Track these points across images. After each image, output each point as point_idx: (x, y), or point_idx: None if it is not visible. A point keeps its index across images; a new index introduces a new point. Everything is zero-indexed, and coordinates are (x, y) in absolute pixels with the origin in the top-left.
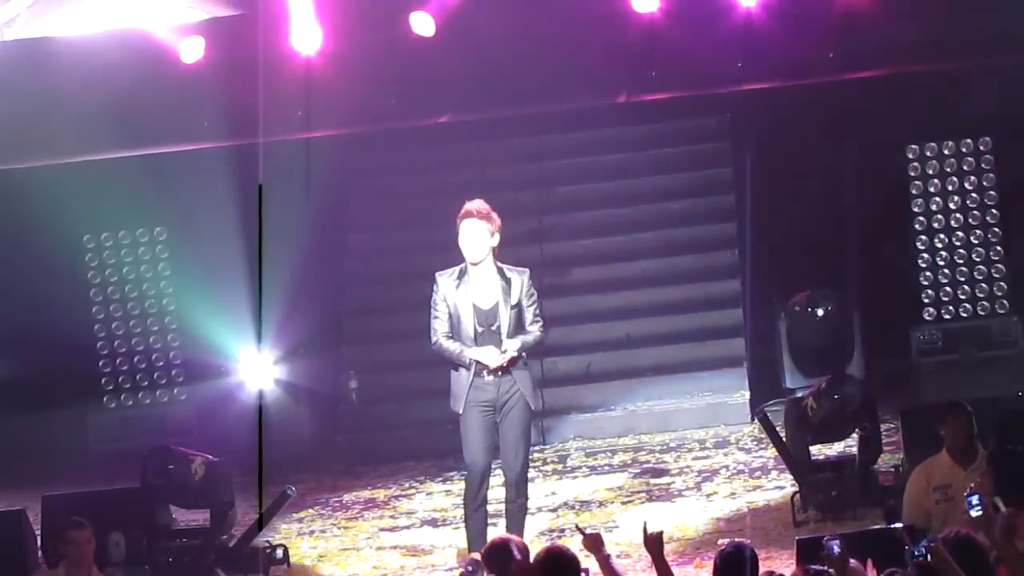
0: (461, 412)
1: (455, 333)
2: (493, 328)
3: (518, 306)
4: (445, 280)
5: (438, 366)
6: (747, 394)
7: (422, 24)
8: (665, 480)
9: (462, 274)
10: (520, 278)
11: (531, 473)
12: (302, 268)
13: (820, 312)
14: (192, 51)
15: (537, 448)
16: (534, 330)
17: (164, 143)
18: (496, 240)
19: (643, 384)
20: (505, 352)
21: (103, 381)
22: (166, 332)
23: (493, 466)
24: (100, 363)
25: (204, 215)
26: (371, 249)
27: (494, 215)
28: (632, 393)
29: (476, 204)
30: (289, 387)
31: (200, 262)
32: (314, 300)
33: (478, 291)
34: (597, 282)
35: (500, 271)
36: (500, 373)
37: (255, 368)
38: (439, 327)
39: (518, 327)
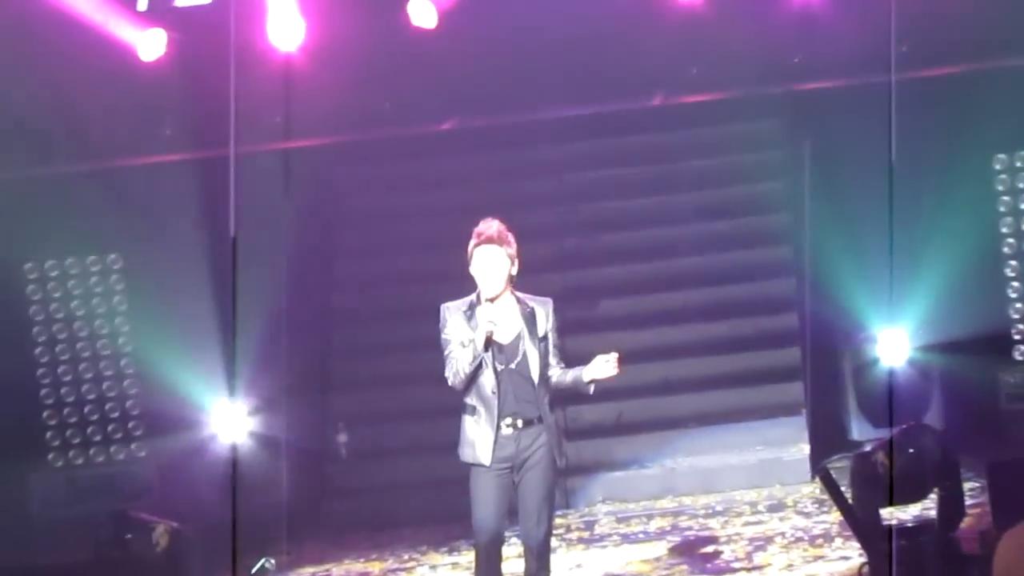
0: (486, 464)
1: (472, 378)
2: (514, 365)
3: (545, 339)
4: (454, 314)
5: (443, 415)
6: (806, 448)
7: (422, 14)
8: (710, 550)
9: (473, 307)
10: (544, 309)
11: (554, 542)
12: (282, 303)
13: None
14: (152, 46)
15: (560, 512)
16: (562, 366)
17: (119, 155)
18: (516, 268)
19: (684, 436)
20: (609, 362)
21: (48, 435)
22: (122, 377)
23: (508, 534)
24: (44, 414)
25: (167, 240)
26: (363, 280)
27: (512, 239)
28: (671, 447)
29: (493, 227)
30: (267, 442)
31: (162, 295)
32: (296, 340)
33: (498, 320)
34: (629, 316)
35: (520, 301)
36: (521, 424)
37: (227, 420)
38: (454, 357)
39: (545, 365)
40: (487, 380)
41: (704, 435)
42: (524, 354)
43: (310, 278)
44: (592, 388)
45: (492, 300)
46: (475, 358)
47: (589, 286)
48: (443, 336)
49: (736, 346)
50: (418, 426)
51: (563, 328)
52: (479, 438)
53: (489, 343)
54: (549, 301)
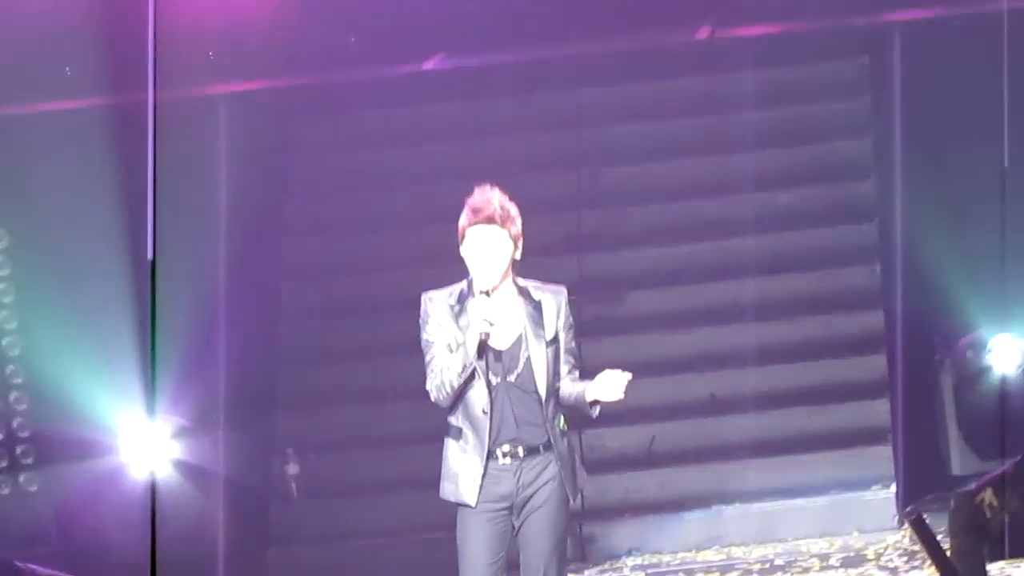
0: (471, 504)
1: (460, 392)
2: (514, 377)
3: (555, 342)
4: (439, 307)
5: (423, 440)
6: (893, 485)
7: None
8: None
9: (463, 299)
10: (555, 300)
11: None
12: (215, 295)
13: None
14: None
15: (575, 569)
16: (576, 376)
17: (4, 101)
18: (519, 251)
19: (735, 471)
20: (616, 381)
21: None
22: (7, 389)
23: None
24: None
25: (67, 209)
26: (320, 266)
27: (515, 214)
28: (718, 484)
29: (491, 201)
30: (195, 474)
31: (60, 285)
32: (235, 343)
33: (492, 323)
34: (664, 313)
35: (524, 292)
36: (522, 453)
37: (145, 445)
38: (439, 364)
39: (555, 375)
40: (478, 396)
41: (761, 469)
42: (528, 362)
43: (252, 263)
44: (596, 411)
45: (488, 292)
46: (464, 368)
47: (613, 273)
48: (424, 336)
49: (803, 353)
50: (390, 454)
51: (579, 327)
52: (464, 470)
53: (483, 349)
54: (562, 291)
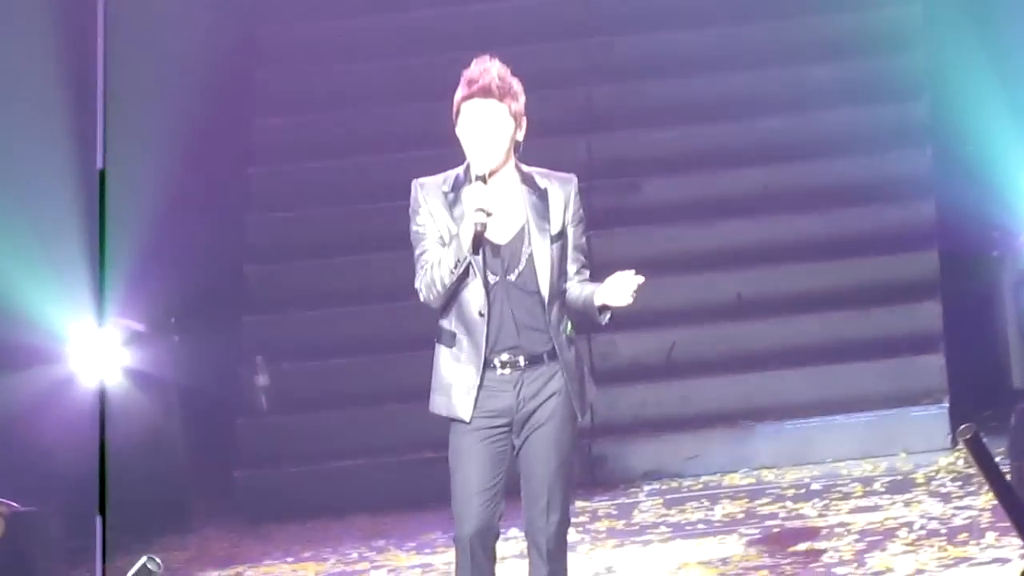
0: (466, 419)
1: (453, 291)
2: (515, 276)
3: (562, 236)
4: (432, 196)
5: (411, 346)
6: (945, 400)
7: None
8: (803, 548)
9: (458, 187)
10: (563, 190)
11: (572, 536)
12: (175, 184)
13: None
14: None
15: (583, 493)
16: (585, 277)
17: None
18: (521, 132)
19: (765, 383)
20: (627, 284)
21: None
22: None
23: (506, 524)
24: None
25: (6, 98)
26: (290, 149)
27: (517, 88)
28: (747, 399)
29: (490, 71)
30: (152, 385)
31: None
32: (194, 235)
33: (492, 209)
34: (685, 203)
35: (528, 179)
36: (523, 362)
37: (93, 354)
38: (430, 259)
39: (561, 275)
40: (474, 296)
41: (795, 380)
42: (530, 259)
43: (215, 149)
44: (606, 317)
45: (485, 178)
46: (458, 263)
47: (628, 157)
48: (414, 228)
49: (843, 249)
50: (373, 363)
51: (590, 219)
52: (458, 381)
53: (479, 242)
54: (572, 179)
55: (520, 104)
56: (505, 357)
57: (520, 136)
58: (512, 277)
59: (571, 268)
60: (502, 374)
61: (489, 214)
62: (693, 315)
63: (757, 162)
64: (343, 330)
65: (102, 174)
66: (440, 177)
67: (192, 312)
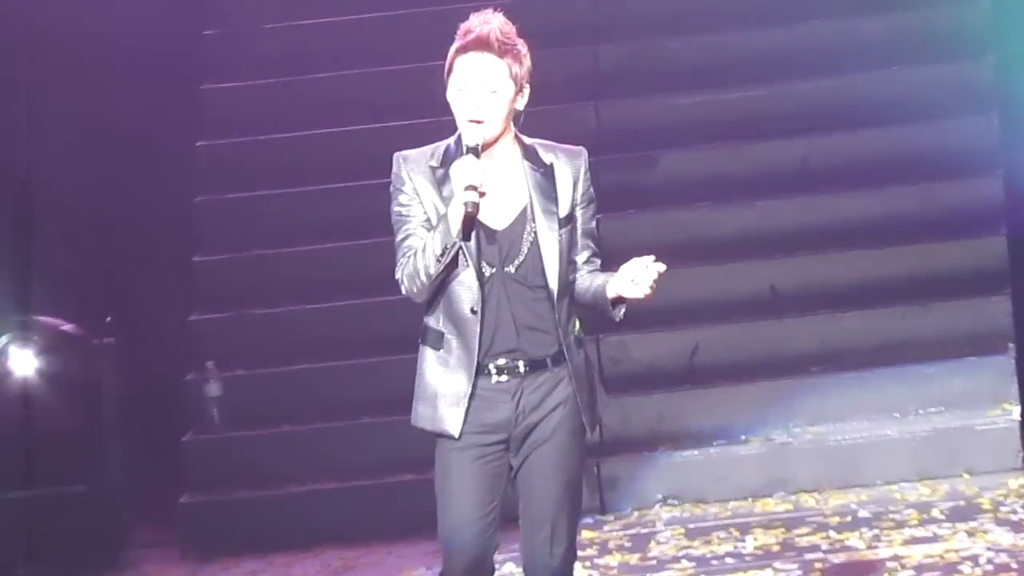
0: (454, 435)
1: (442, 283)
2: (514, 267)
3: (570, 220)
4: (417, 170)
5: (388, 349)
6: (1016, 410)
7: None
8: None
9: (448, 160)
10: (572, 166)
11: (579, 572)
12: (113, 167)
13: None
14: None
15: (590, 520)
16: (595, 267)
17: None
18: (523, 98)
19: (804, 390)
20: (643, 273)
21: None
22: None
23: (502, 556)
24: None
25: None
26: (246, 119)
27: (524, 50)
28: (783, 410)
29: (488, 20)
30: (83, 395)
31: None
32: (136, 226)
33: (487, 197)
34: (710, 181)
35: (530, 153)
36: (524, 368)
37: (14, 360)
38: (414, 245)
39: (569, 266)
40: (465, 290)
41: (838, 387)
42: (534, 246)
43: (156, 119)
44: (620, 313)
45: (478, 150)
46: (445, 250)
47: (642, 125)
48: (396, 208)
49: (895, 234)
50: (346, 367)
51: (600, 198)
52: (446, 389)
53: (471, 225)
54: (581, 153)
55: (523, 68)
56: (502, 362)
57: (521, 104)
58: (511, 268)
59: (580, 257)
60: (498, 382)
61: (483, 193)
62: (719, 312)
63: (794, 132)
64: (309, 330)
65: (26, 165)
66: (427, 150)
67: (132, 310)
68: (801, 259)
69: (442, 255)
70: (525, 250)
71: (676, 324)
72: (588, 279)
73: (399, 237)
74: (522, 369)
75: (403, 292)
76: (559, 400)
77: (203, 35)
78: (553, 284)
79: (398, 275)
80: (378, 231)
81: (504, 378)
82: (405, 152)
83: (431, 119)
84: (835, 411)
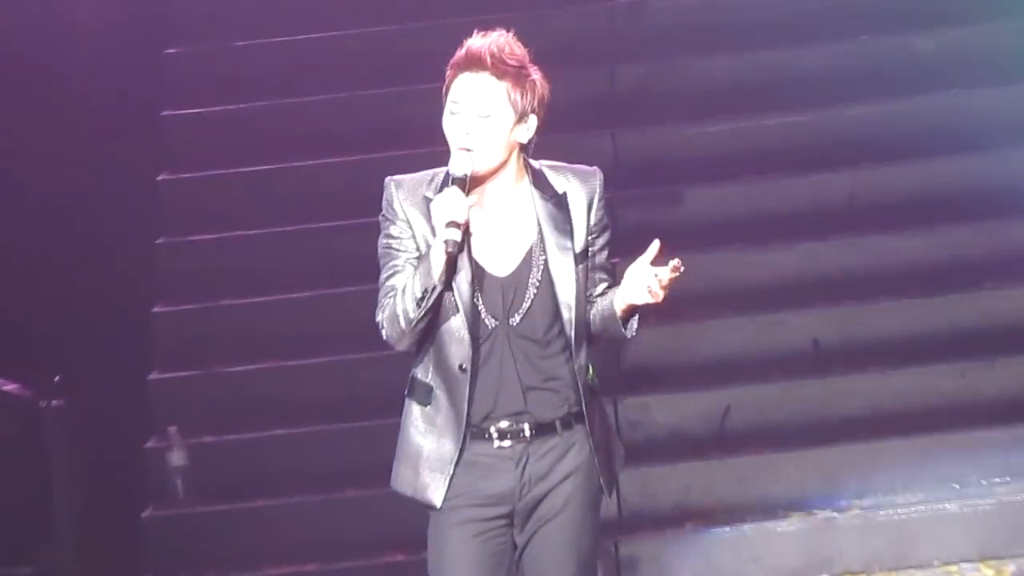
0: (436, 505)
1: (429, 331)
2: (519, 318)
3: (586, 254)
4: (411, 194)
5: (378, 411)
6: None
7: None
8: None
9: (459, 181)
10: (586, 188)
11: None
12: (62, 190)
13: None
14: None
15: None
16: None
17: None
18: (527, 130)
19: (851, 457)
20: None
21: None
22: None
23: None
24: None
25: None
26: (215, 144)
27: (535, 76)
28: (827, 479)
29: (489, 36)
30: (26, 465)
31: None
32: (91, 265)
33: (488, 231)
34: (742, 218)
35: (539, 179)
36: (529, 432)
37: None
38: (397, 284)
39: (583, 305)
40: (455, 344)
41: (889, 455)
42: (543, 291)
43: (116, 140)
44: (633, 327)
45: (465, 183)
46: (425, 294)
47: (665, 158)
48: (384, 241)
49: (952, 279)
50: (328, 433)
51: (614, 239)
52: (430, 451)
53: (453, 268)
54: (595, 173)
55: (530, 96)
56: (505, 425)
57: (524, 136)
58: (515, 320)
59: (594, 291)
60: (500, 447)
61: (468, 232)
62: (754, 369)
63: (839, 164)
64: (286, 391)
65: None
66: (424, 176)
67: (84, 368)
68: (847, 309)
69: (422, 300)
70: (530, 298)
71: (705, 383)
72: (596, 307)
73: (384, 274)
74: (527, 433)
75: (384, 337)
76: (570, 468)
77: (165, 54)
78: (571, 331)
79: (378, 317)
80: (366, 277)
81: (507, 443)
82: (399, 177)
83: (428, 149)
84: (886, 482)
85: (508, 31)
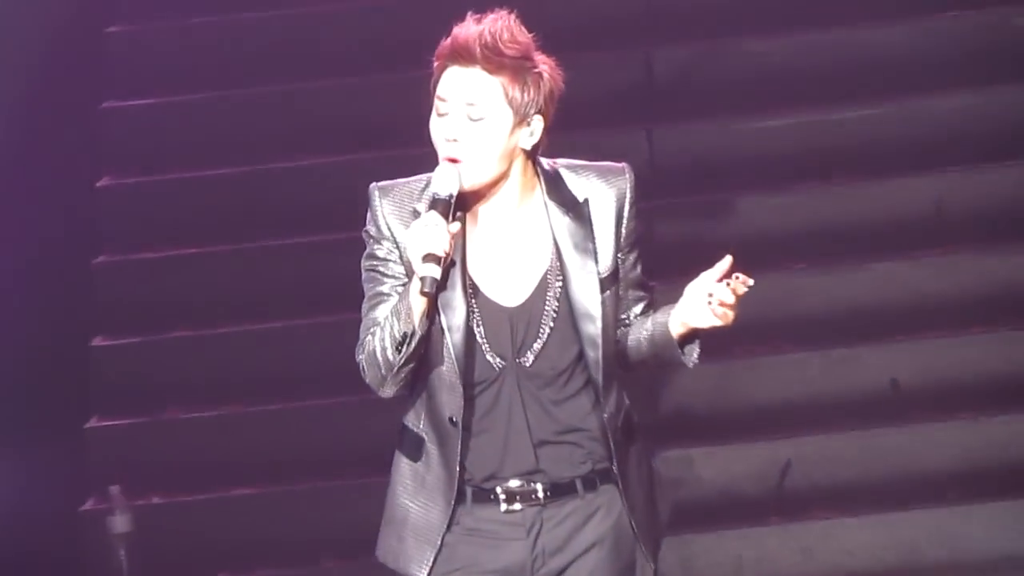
0: None
1: (419, 374)
2: (531, 357)
3: (615, 276)
4: (399, 206)
5: (365, 465)
6: None
7: None
8: None
9: (441, 203)
10: (614, 191)
11: None
12: None
13: None
14: None
15: None
16: (641, 310)
17: None
18: (531, 134)
19: (939, 521)
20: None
21: None
22: None
23: None
24: None
25: None
26: (143, 150)
27: (539, 61)
28: (907, 547)
29: (481, 22)
30: None
31: None
32: (19, 294)
33: (492, 252)
34: (803, 232)
35: (555, 186)
36: (542, 493)
37: None
38: (380, 317)
39: (612, 331)
40: (446, 392)
41: (986, 519)
42: (561, 322)
43: (38, 148)
44: (695, 354)
45: (450, 204)
46: (405, 339)
47: (713, 159)
48: (366, 260)
49: None
50: (301, 492)
51: (651, 257)
52: (417, 516)
53: (433, 310)
54: (623, 172)
55: (534, 92)
56: (514, 486)
57: (527, 142)
58: (527, 360)
59: (630, 313)
60: (508, 512)
61: (452, 262)
62: (820, 415)
63: (924, 166)
64: (250, 441)
65: None
66: (414, 183)
67: (10, 414)
68: (932, 342)
69: (402, 344)
70: (547, 330)
71: (760, 433)
72: (638, 327)
73: (366, 303)
74: (541, 495)
75: (366, 380)
76: (594, 538)
77: (106, 33)
78: (597, 373)
79: (359, 356)
80: (346, 303)
81: (516, 507)
82: (385, 184)
83: (417, 150)
84: (981, 553)
85: (510, 12)
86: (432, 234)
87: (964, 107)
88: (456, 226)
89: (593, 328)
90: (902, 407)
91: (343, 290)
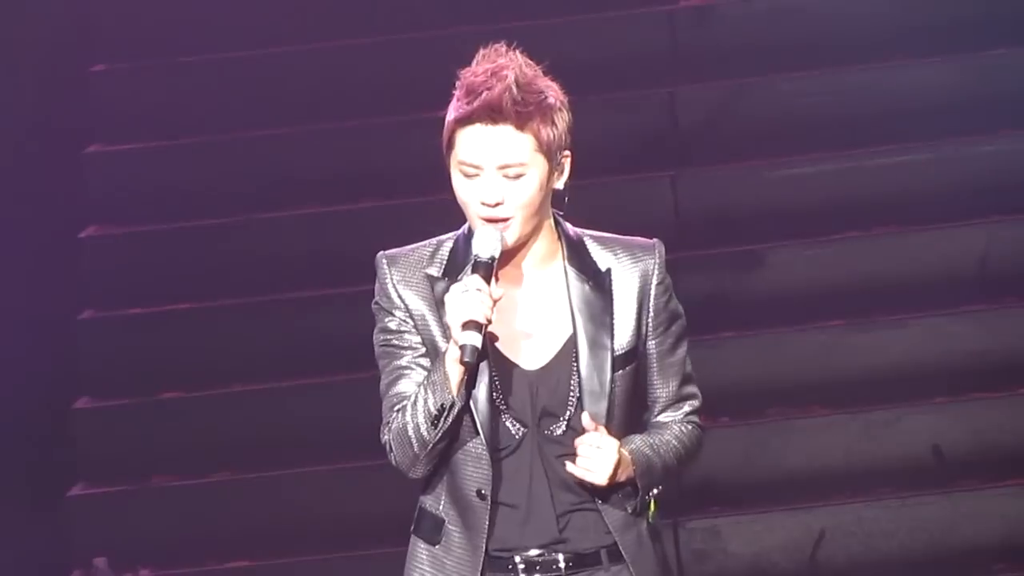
0: None
1: (444, 451)
2: (560, 427)
3: (633, 355)
4: (409, 276)
5: (374, 533)
6: None
7: None
8: None
9: (457, 268)
10: (637, 271)
11: None
12: None
13: None
14: None
15: None
16: (683, 415)
17: None
18: (563, 172)
19: None
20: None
21: None
22: None
23: None
24: None
25: None
26: (143, 187)
27: (554, 100)
28: None
29: (502, 71)
30: None
31: None
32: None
33: (513, 312)
34: (843, 287)
35: (576, 253)
36: (564, 565)
37: None
38: (405, 395)
39: (632, 411)
40: (471, 464)
41: None
42: (586, 391)
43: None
44: (637, 506)
45: (493, 266)
46: (442, 412)
47: (742, 207)
48: (379, 335)
49: None
50: (299, 566)
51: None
52: None
53: (473, 377)
54: (653, 249)
55: (558, 129)
56: (534, 555)
57: (561, 181)
58: (556, 430)
59: (661, 395)
60: None
61: (489, 328)
62: (856, 482)
63: (968, 213)
64: (246, 511)
65: None
66: (424, 249)
67: None
68: (978, 403)
69: (438, 418)
70: (575, 400)
71: (792, 501)
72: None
73: (385, 379)
74: (562, 566)
75: (392, 462)
76: None
77: (92, 72)
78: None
79: (384, 437)
80: (353, 362)
81: None
82: (392, 252)
83: (418, 199)
84: None
85: (511, 47)
86: (474, 299)
87: (1009, 151)
88: (499, 291)
89: (595, 408)
90: (945, 473)
91: (349, 350)
